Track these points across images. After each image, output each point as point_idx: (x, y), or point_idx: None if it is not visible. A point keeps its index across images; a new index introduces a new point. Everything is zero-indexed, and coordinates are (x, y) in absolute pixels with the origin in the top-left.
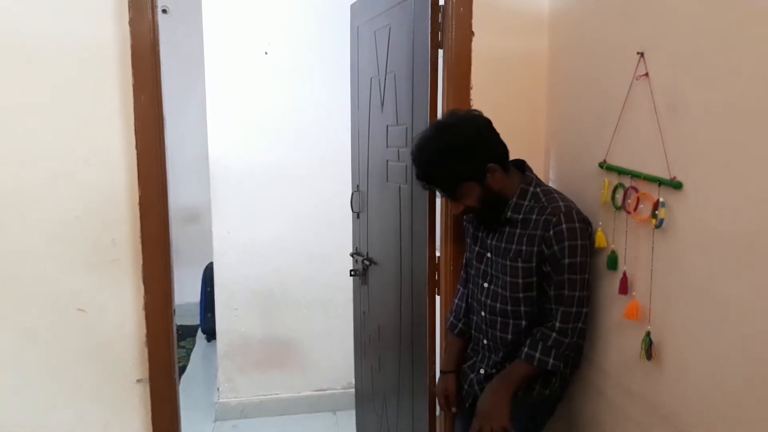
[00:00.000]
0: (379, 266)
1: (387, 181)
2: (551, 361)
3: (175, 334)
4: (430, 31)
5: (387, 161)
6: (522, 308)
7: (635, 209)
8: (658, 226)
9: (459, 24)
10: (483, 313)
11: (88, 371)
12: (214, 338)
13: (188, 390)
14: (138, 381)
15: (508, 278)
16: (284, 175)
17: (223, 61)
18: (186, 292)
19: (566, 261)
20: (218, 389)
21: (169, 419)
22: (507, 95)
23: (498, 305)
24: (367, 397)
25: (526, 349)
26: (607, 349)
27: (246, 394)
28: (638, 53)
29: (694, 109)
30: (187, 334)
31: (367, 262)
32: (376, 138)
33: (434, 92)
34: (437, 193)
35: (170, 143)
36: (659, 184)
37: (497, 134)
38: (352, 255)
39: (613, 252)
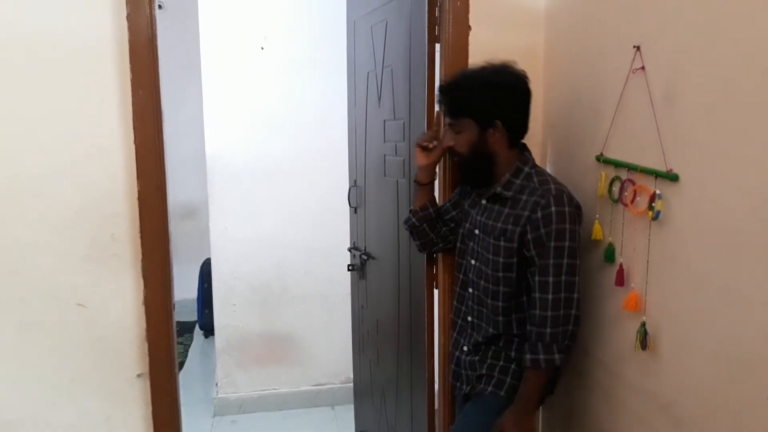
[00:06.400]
0: (377, 261)
1: (384, 175)
2: (556, 356)
3: (175, 329)
4: (427, 25)
5: (384, 156)
6: (501, 288)
7: (632, 202)
8: (655, 218)
9: (456, 18)
10: (471, 290)
11: (88, 366)
12: (212, 334)
13: (187, 386)
14: (138, 375)
15: (490, 256)
16: (281, 170)
17: (219, 56)
18: (183, 289)
19: (552, 244)
20: (217, 384)
21: (169, 413)
22: None
23: (482, 282)
24: (366, 391)
25: (528, 356)
26: (603, 341)
27: (244, 389)
28: (634, 47)
29: (690, 102)
30: (184, 330)
31: (365, 257)
32: (374, 133)
33: (432, 87)
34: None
35: (166, 139)
36: (656, 177)
37: (526, 108)
38: (349, 250)
39: (611, 245)
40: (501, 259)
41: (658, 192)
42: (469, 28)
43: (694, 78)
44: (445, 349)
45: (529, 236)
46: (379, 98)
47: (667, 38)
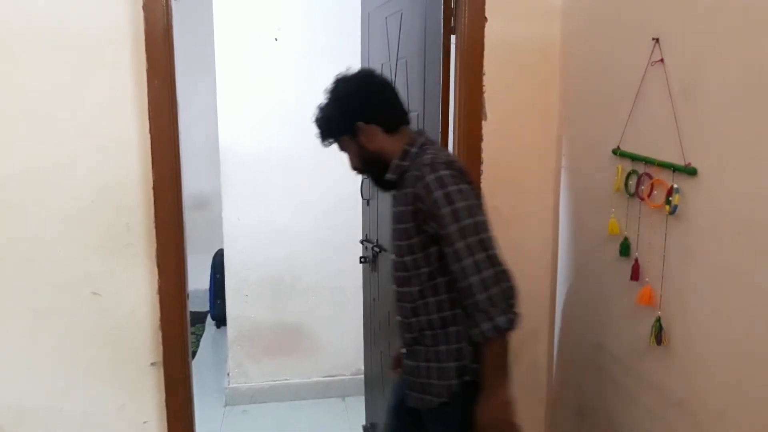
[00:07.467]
0: (389, 253)
1: None
2: (499, 319)
3: (188, 318)
4: (442, 16)
5: None
6: (411, 272)
7: (649, 196)
8: (672, 212)
9: (472, 10)
10: (393, 286)
11: (102, 354)
12: (224, 325)
13: (198, 375)
14: (152, 364)
15: (396, 242)
16: (294, 162)
17: (233, 47)
18: (195, 279)
19: (445, 210)
20: (228, 375)
21: (182, 402)
22: (520, 81)
23: (397, 273)
24: (377, 383)
25: (473, 331)
26: (617, 335)
27: (256, 380)
28: (653, 39)
29: (710, 95)
30: (196, 320)
31: (377, 249)
32: None
33: (446, 79)
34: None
35: (180, 130)
36: (673, 171)
37: (377, 98)
38: (362, 242)
39: (626, 239)
40: (404, 242)
41: (675, 186)
42: (485, 19)
43: (715, 71)
44: None
45: (424, 209)
46: None
47: (688, 30)
